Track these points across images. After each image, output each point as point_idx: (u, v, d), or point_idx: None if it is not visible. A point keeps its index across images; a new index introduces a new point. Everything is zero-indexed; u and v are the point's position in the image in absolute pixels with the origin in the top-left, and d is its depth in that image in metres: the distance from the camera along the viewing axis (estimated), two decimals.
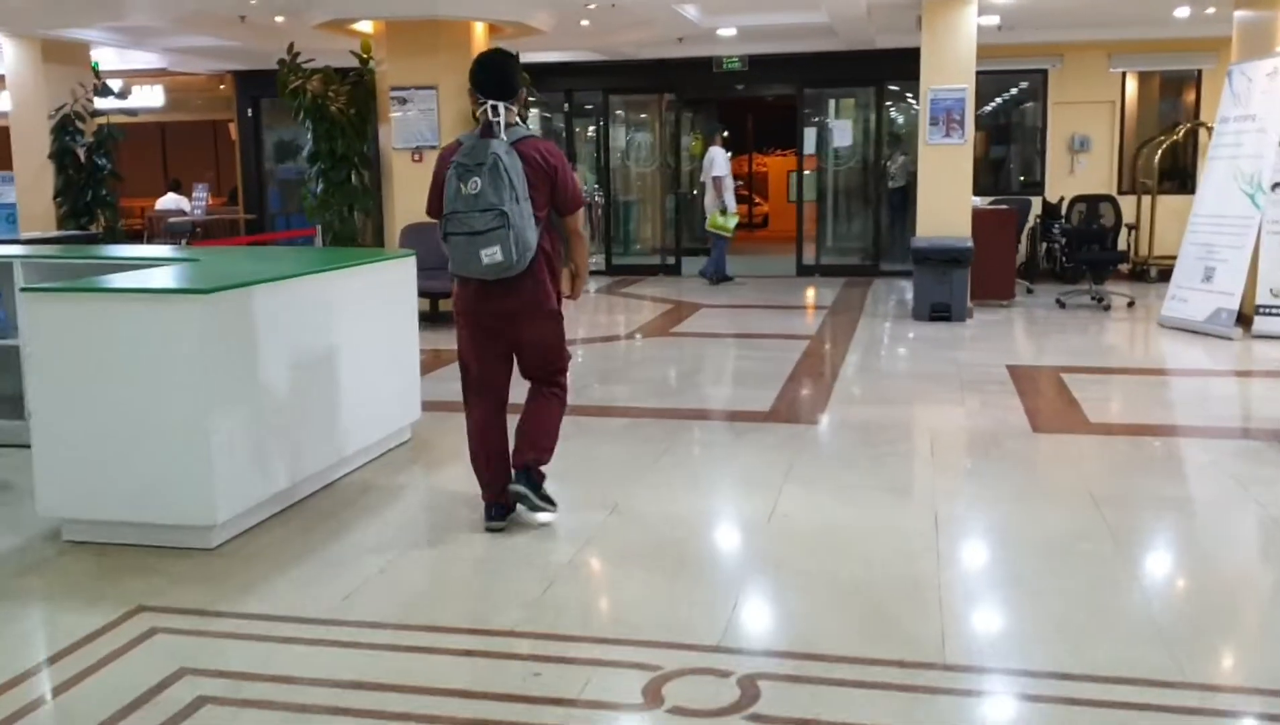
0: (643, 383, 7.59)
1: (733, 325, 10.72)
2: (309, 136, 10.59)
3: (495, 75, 4.34)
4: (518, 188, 4.07)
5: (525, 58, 11.39)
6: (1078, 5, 11.33)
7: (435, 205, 4.32)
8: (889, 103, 14.76)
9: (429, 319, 10.31)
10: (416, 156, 10.58)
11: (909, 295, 12.17)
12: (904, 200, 15.67)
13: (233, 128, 16.14)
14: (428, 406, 6.70)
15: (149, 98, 16.53)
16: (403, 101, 10.51)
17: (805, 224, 15.08)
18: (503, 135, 4.17)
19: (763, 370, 8.18)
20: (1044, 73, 14.22)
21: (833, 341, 9.45)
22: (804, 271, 14.79)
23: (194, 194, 15.40)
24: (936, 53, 10.54)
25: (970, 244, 10.34)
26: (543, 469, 4.52)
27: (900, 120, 16.18)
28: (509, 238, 4.03)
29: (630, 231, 17.03)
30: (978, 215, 10.77)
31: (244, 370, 4.46)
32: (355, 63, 10.82)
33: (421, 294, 10.39)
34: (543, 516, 4.56)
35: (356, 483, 5.26)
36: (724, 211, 14.04)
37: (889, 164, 15.02)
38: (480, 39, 10.71)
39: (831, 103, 15.31)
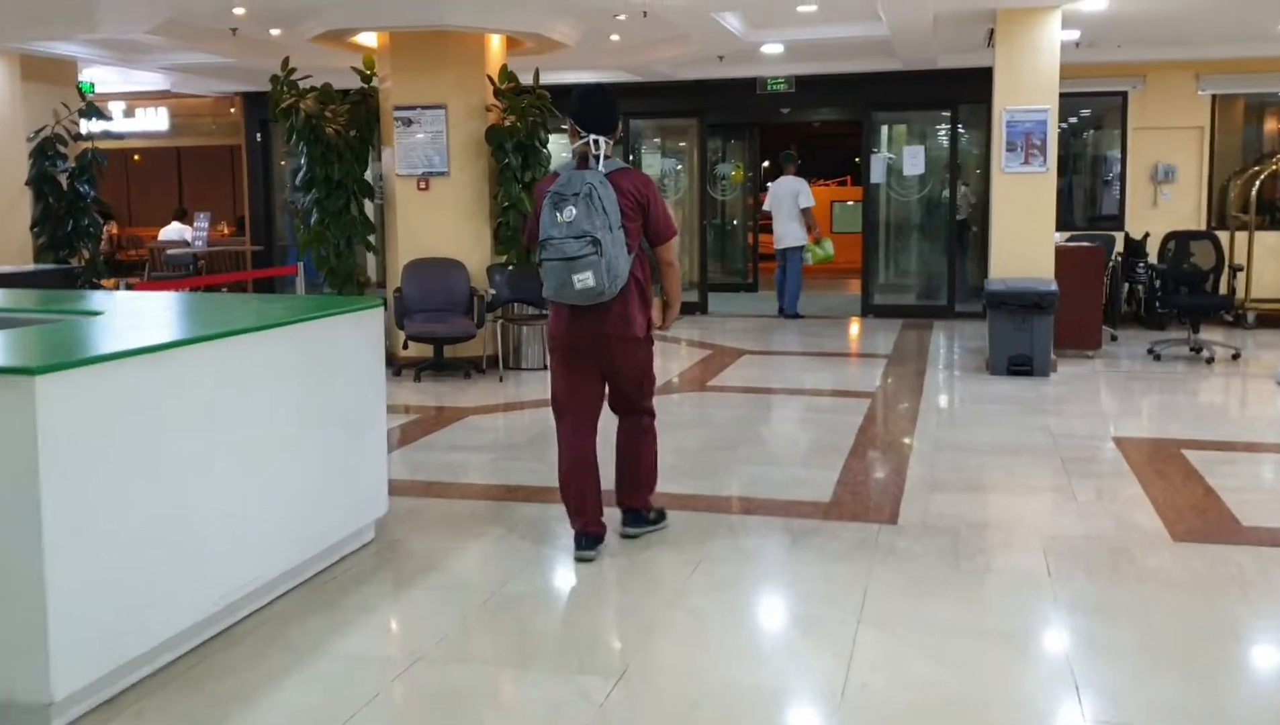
0: (672, 455, 6.30)
1: (780, 378, 9.41)
2: (303, 160, 9.42)
3: (595, 111, 4.44)
4: (610, 217, 4.21)
5: (548, 78, 10.22)
6: (1168, 18, 9.99)
7: (533, 234, 4.43)
8: (952, 128, 13.39)
9: (433, 367, 9.08)
10: (422, 184, 9.38)
11: (980, 342, 10.83)
12: (965, 234, 14.36)
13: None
14: (408, 489, 5.45)
15: (152, 121, 15.51)
16: (408, 122, 9.32)
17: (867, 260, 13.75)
18: (599, 167, 4.33)
19: (820, 439, 6.86)
20: (1123, 95, 12.84)
21: (899, 401, 8.10)
22: (869, 312, 13.44)
23: (195, 224, 14.32)
24: (1013, 69, 9.22)
25: (1054, 287, 8.97)
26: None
27: (963, 148, 14.85)
28: (601, 264, 4.17)
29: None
30: (1059, 253, 9.40)
31: (99, 480, 3.19)
32: (360, 82, 9.66)
33: (424, 339, 9.33)
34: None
35: (277, 619, 3.98)
36: (817, 241, 13.35)
37: (955, 195, 13.70)
38: (495, 53, 9.51)
39: (885, 129, 13.97)
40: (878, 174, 13.55)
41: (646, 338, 4.53)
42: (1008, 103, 9.25)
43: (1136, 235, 12.13)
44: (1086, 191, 13.57)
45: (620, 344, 4.43)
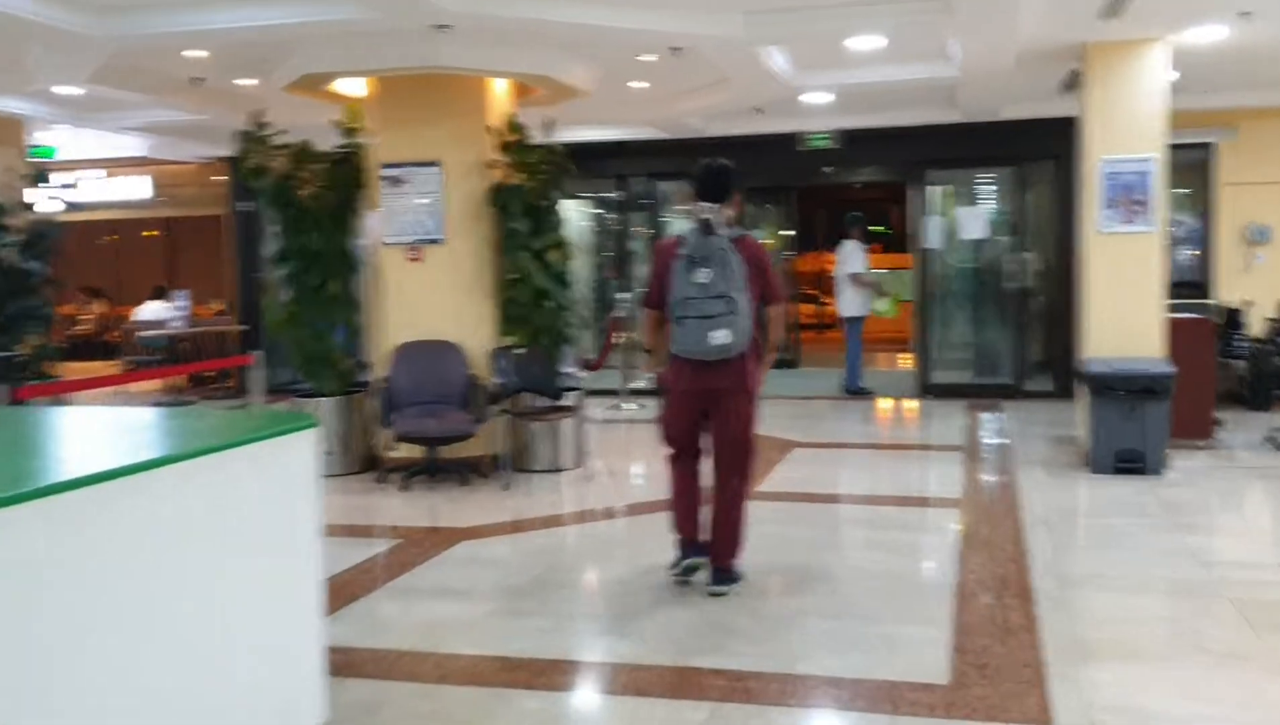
0: (717, 605, 4.81)
1: (842, 479, 7.87)
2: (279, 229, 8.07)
3: (714, 184, 4.82)
4: (740, 278, 4.68)
5: (565, 135, 8.90)
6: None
7: (656, 297, 4.91)
8: (1019, 186, 11.94)
9: (425, 471, 7.63)
10: (414, 254, 7.98)
11: (1063, 428, 9.31)
12: (1029, 305, 12.85)
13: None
14: (370, 665, 3.95)
15: (135, 189, 14.26)
16: (397, 182, 7.95)
17: (920, 333, 12.24)
18: (724, 231, 4.73)
19: (910, 573, 5.36)
20: (1209, 147, 11.43)
21: (995, 513, 6.55)
22: (925, 392, 11.91)
23: (175, 302, 12.99)
24: (1110, 113, 7.81)
25: (1170, 368, 7.47)
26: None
27: (1027, 209, 13.41)
28: (735, 322, 4.64)
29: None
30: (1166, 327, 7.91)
31: None
32: (343, 137, 8.32)
33: (414, 439, 7.66)
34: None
35: None
36: (879, 295, 12.21)
37: (1014, 261, 12.25)
38: (500, 101, 8.16)
39: (937, 189, 12.52)
40: (934, 238, 12.09)
41: (755, 391, 4.89)
42: (1105, 152, 7.81)
43: (1228, 304, 10.62)
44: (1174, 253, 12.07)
45: (734, 396, 4.82)
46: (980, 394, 11.67)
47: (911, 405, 11.37)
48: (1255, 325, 10.50)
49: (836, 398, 11.81)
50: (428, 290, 7.98)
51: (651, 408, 11.52)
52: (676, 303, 4.69)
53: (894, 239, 21.76)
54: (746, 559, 5.17)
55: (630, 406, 11.34)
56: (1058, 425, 9.90)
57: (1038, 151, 11.70)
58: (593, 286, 14.83)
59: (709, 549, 5.02)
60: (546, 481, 7.72)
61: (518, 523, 6.55)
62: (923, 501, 6.86)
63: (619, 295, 11.71)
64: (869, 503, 6.99)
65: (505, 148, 7.91)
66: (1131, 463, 7.48)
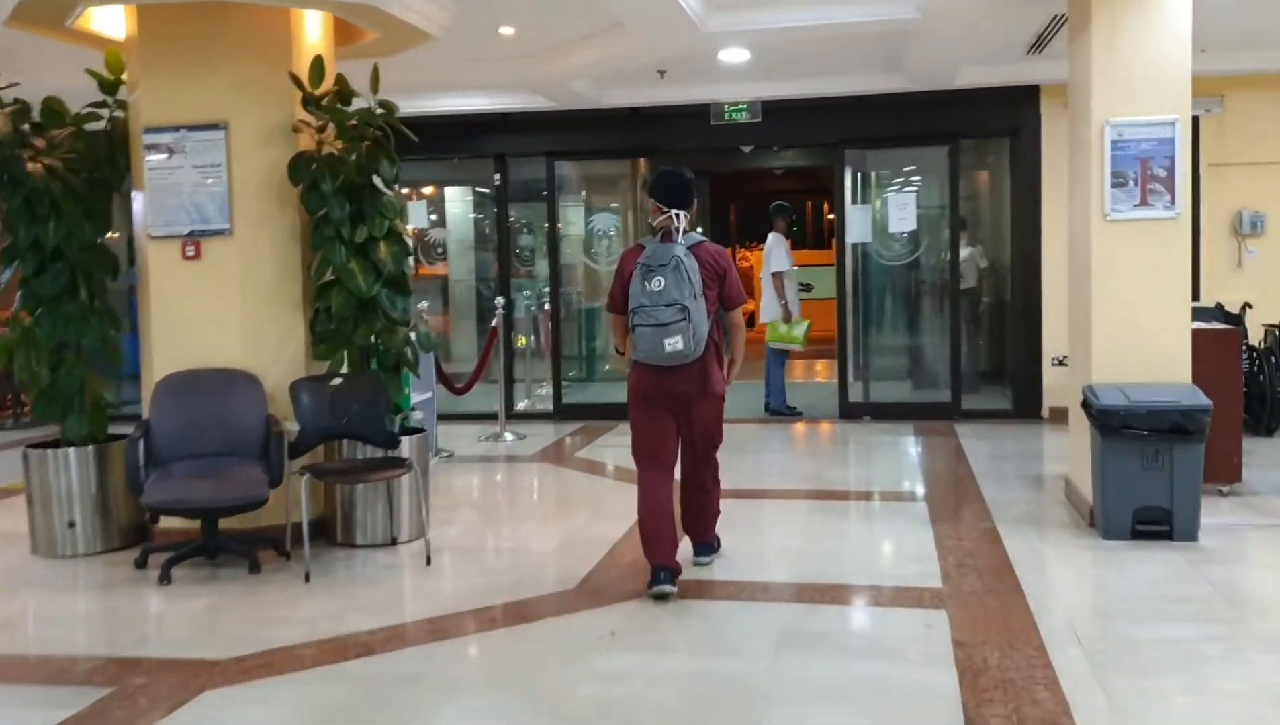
0: None
1: (779, 556, 5.85)
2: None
3: (678, 191, 4.91)
4: (695, 285, 4.71)
5: (415, 105, 6.94)
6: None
7: (620, 303, 4.91)
8: (952, 168, 10.11)
9: (202, 551, 5.48)
10: (190, 249, 5.82)
11: (1046, 465, 7.48)
12: (974, 308, 11.09)
13: None
14: None
15: None
16: (165, 151, 5.79)
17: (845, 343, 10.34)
18: (681, 240, 4.81)
19: None
20: (1192, 122, 9.70)
21: (998, 618, 4.60)
22: (850, 413, 10.01)
23: None
24: (1118, 61, 5.94)
25: (1205, 401, 5.62)
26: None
27: (972, 194, 11.64)
28: (689, 330, 4.67)
29: (594, 352, 12.27)
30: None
31: None
32: (102, 93, 6.11)
33: (176, 511, 5.22)
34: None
35: None
36: (788, 318, 9.89)
37: (968, 259, 10.46)
38: (310, 42, 6.03)
39: (866, 173, 10.63)
40: (858, 231, 10.19)
41: (721, 393, 5.02)
42: (1111, 114, 5.95)
43: (1232, 307, 8.91)
44: None
45: (699, 399, 4.91)
46: (921, 414, 9.83)
47: (846, 430, 9.46)
48: (1253, 332, 8.80)
49: (757, 420, 9.89)
50: (209, 300, 5.83)
51: (543, 436, 9.48)
52: (633, 311, 4.75)
53: (801, 233, 20.00)
54: None
55: (510, 437, 9.26)
56: (1029, 458, 8.10)
57: (992, 126, 9.90)
58: (474, 290, 12.79)
59: (685, 528, 5.27)
60: (370, 564, 5.62)
61: (323, 644, 4.42)
62: (899, 598, 4.90)
63: (499, 300, 9.59)
64: (815, 599, 4.98)
65: (311, 104, 5.78)
66: (1155, 525, 5.63)
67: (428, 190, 13.01)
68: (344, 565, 5.61)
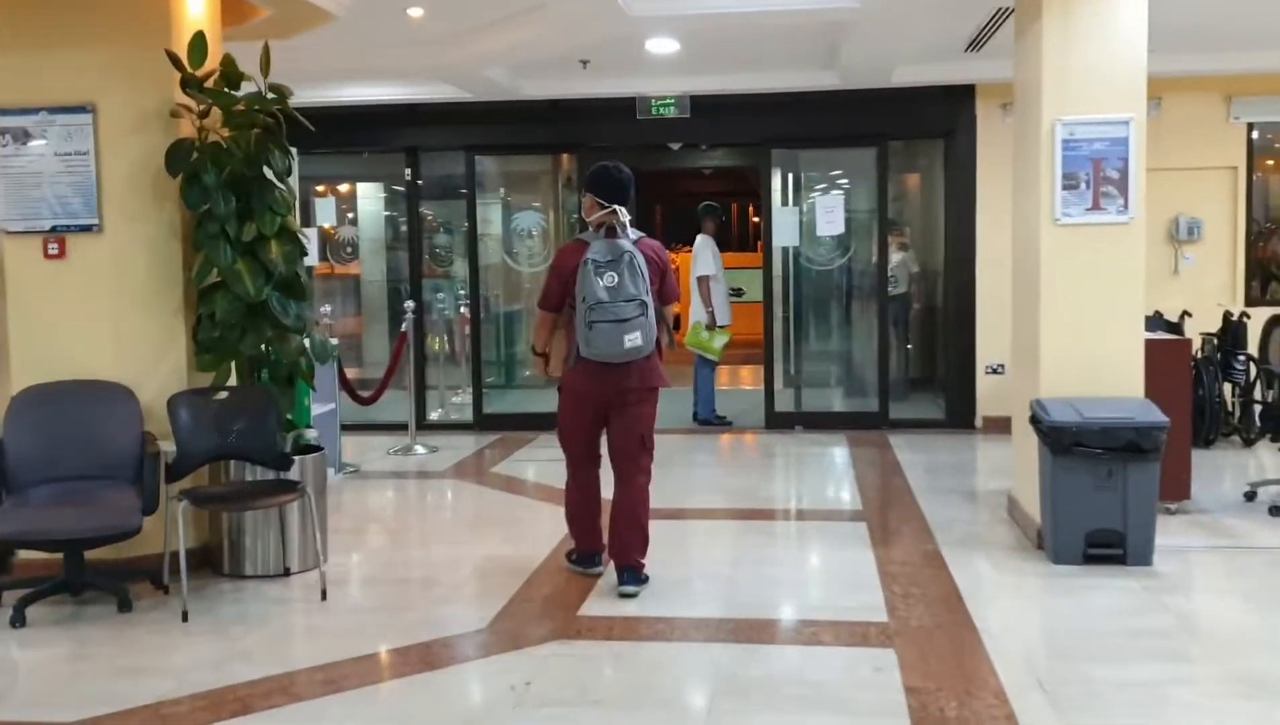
0: None
1: (698, 583, 5.39)
2: None
3: (621, 186, 4.88)
4: (647, 281, 4.73)
5: (317, 95, 6.35)
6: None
7: (557, 300, 4.90)
8: (881, 170, 9.76)
9: (66, 588, 4.88)
10: (54, 247, 5.19)
11: (982, 480, 7.16)
12: (905, 314, 10.79)
13: None
14: None
15: None
16: (21, 136, 5.16)
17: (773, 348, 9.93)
18: (629, 234, 4.81)
19: None
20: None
21: (949, 655, 4.20)
22: (778, 422, 9.61)
23: None
24: (1071, 56, 5.61)
25: (1162, 417, 5.29)
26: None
27: (904, 197, 11.35)
28: (646, 325, 4.70)
29: (513, 360, 11.73)
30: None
31: None
32: None
33: (32, 544, 4.66)
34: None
35: None
36: (710, 325, 9.39)
37: (898, 264, 10.14)
38: (192, 18, 5.42)
39: (796, 174, 10.25)
40: (786, 234, 9.80)
41: (659, 388, 4.97)
42: (1062, 112, 5.60)
43: (1152, 312, 8.66)
44: None
45: (640, 395, 4.89)
46: (853, 424, 9.47)
47: (776, 441, 9.06)
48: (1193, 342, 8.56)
49: (685, 430, 9.44)
50: (76, 303, 5.22)
51: (458, 448, 8.93)
52: (589, 307, 4.67)
53: (727, 236, 19.61)
54: None
55: (421, 449, 8.70)
56: (966, 472, 7.78)
57: (926, 127, 9.57)
58: (388, 291, 12.18)
59: (613, 552, 5.00)
60: (258, 599, 5.05)
61: (172, 707, 3.84)
62: (838, 633, 4.47)
63: (408, 303, 9.01)
64: (752, 638, 4.52)
65: (191, 85, 5.18)
66: (1107, 548, 5.29)
67: (343, 187, 12.39)
68: (230, 600, 5.04)
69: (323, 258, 11.15)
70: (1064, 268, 5.61)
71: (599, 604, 4.85)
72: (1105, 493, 5.27)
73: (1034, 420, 5.47)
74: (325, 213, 10.77)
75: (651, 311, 4.72)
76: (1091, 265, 5.58)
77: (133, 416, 5.14)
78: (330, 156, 10.07)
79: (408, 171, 9.95)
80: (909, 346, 11.01)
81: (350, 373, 8.97)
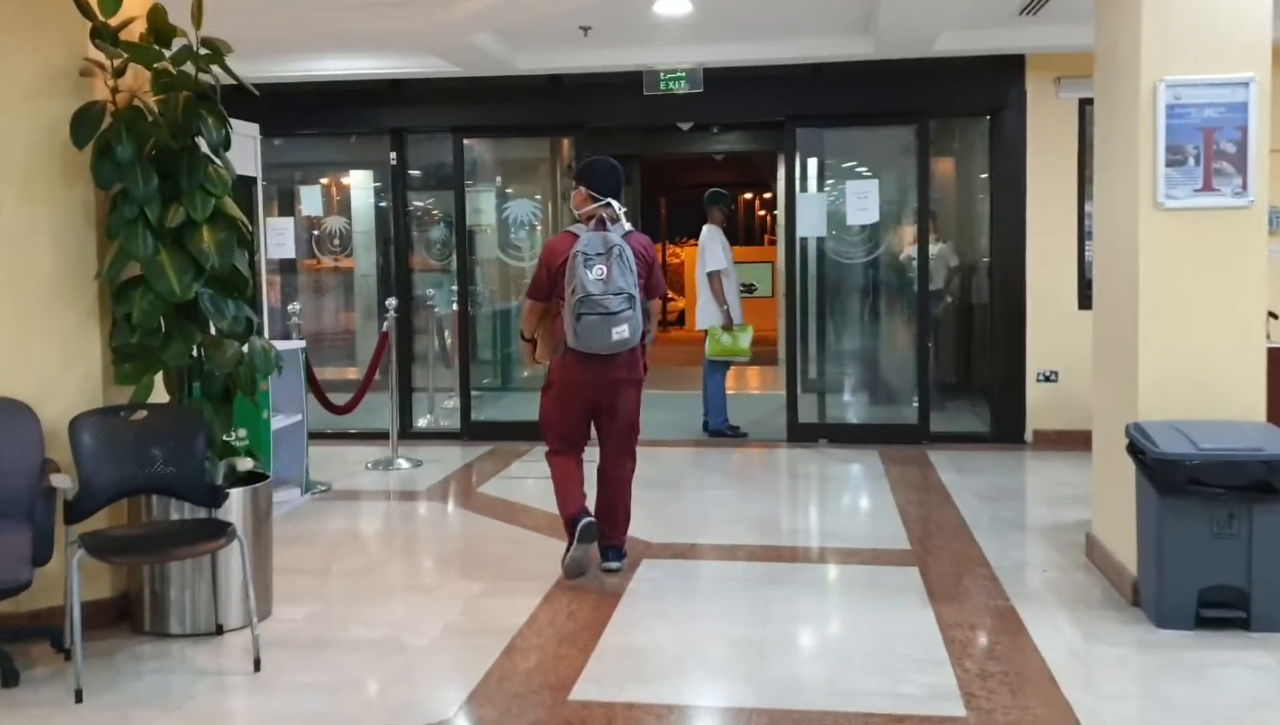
0: None
1: (715, 654, 4.39)
2: None
3: (612, 179, 4.95)
4: (635, 274, 4.76)
5: (282, 70, 5.48)
6: None
7: (545, 291, 4.92)
8: (921, 151, 8.73)
9: None
10: None
11: (1051, 510, 6.13)
12: (942, 313, 9.79)
13: None
14: None
15: None
16: None
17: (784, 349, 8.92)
18: (618, 227, 4.85)
19: None
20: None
21: None
22: (801, 435, 8.61)
23: None
24: (1177, 6, 4.62)
25: None
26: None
27: (941, 182, 10.31)
28: (634, 318, 4.73)
29: (508, 360, 10.73)
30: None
31: None
32: None
33: None
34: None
35: None
36: (728, 326, 8.50)
37: (937, 257, 9.12)
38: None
39: (821, 156, 9.23)
40: (810, 224, 8.80)
41: (643, 379, 5.04)
42: (1168, 70, 4.61)
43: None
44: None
45: (626, 386, 4.95)
46: (885, 437, 8.48)
47: (800, 458, 8.07)
48: None
49: (694, 443, 8.47)
50: None
51: (445, 461, 7.96)
52: (578, 300, 4.66)
53: (734, 229, 18.61)
54: None
55: (404, 463, 7.74)
56: (1024, 499, 6.81)
57: (970, 103, 8.57)
58: (375, 288, 11.18)
59: (600, 530, 4.99)
60: (179, 668, 4.08)
61: None
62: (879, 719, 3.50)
63: (390, 301, 8.03)
64: None
65: (102, 35, 4.21)
66: (1225, 608, 4.31)
67: (329, 174, 11.42)
68: (143, 669, 4.07)
69: (310, 252, 10.30)
70: (1168, 261, 4.61)
71: (595, 680, 3.87)
72: (1225, 541, 4.28)
73: (1135, 450, 4.48)
74: (310, 201, 9.88)
75: (639, 305, 4.76)
76: (1202, 258, 4.59)
77: (31, 440, 4.19)
78: (316, 139, 9.18)
79: (392, 155, 8.97)
80: (946, 351, 10.01)
81: (350, 374, 8.08)
